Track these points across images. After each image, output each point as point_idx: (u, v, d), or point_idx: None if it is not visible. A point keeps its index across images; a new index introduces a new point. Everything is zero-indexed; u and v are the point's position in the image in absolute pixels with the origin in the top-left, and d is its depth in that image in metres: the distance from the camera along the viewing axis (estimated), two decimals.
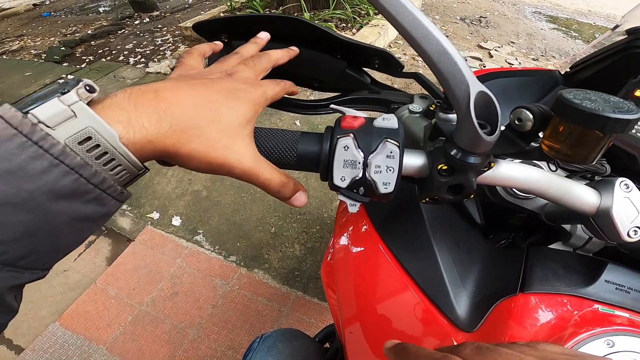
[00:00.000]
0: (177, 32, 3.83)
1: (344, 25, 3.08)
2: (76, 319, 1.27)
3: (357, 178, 0.28)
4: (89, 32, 4.19)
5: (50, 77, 2.94)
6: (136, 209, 1.70)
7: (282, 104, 0.40)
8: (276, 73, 0.40)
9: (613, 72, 0.47)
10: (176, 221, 1.62)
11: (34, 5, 5.39)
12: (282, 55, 0.36)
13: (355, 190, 0.29)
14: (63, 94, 0.20)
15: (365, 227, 0.47)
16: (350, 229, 0.49)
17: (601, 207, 0.33)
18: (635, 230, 0.33)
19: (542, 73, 0.53)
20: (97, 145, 0.20)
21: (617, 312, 0.36)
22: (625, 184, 0.34)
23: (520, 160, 0.39)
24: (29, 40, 4.00)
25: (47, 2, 5.53)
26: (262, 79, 0.33)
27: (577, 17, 4.75)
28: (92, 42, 3.88)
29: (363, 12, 3.25)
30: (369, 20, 3.10)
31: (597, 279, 0.39)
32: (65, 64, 3.27)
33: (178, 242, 1.52)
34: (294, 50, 0.37)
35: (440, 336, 0.39)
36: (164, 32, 3.97)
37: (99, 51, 3.59)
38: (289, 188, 0.29)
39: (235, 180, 1.77)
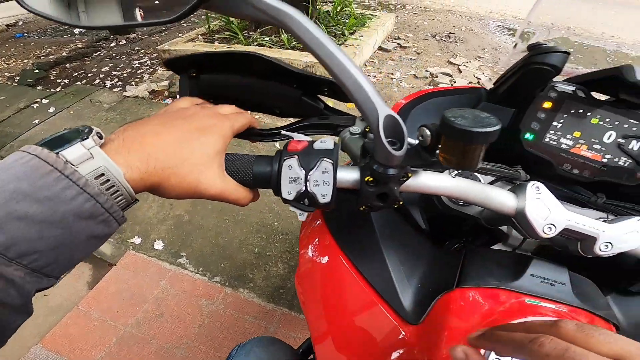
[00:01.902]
0: (154, 54, 3.87)
1: None
2: (59, 341, 1.28)
3: (301, 191, 0.35)
4: (64, 54, 4.18)
5: (24, 102, 2.93)
6: (117, 235, 1.73)
7: (245, 135, 0.45)
8: (242, 103, 0.48)
9: (523, 86, 0.51)
10: (158, 245, 1.67)
11: (7, 26, 5.35)
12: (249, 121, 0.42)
13: (301, 202, 0.36)
14: (83, 139, 0.27)
15: (325, 237, 0.52)
16: (314, 241, 0.54)
17: (518, 208, 0.37)
18: (549, 227, 0.38)
19: (470, 90, 0.58)
20: (108, 180, 0.27)
21: (543, 304, 0.40)
22: (537, 187, 0.39)
23: (445, 171, 0.44)
24: (2, 63, 3.96)
25: (20, 23, 5.50)
26: (233, 112, 0.39)
27: (538, 30, 5.13)
28: (67, 65, 3.87)
29: (339, 32, 3.43)
30: (345, 41, 3.28)
31: (523, 273, 0.43)
32: (39, 87, 3.27)
33: (161, 265, 1.56)
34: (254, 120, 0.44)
35: (390, 329, 0.44)
36: (141, 55, 4.02)
37: (74, 74, 3.59)
38: (256, 198, 0.38)
39: (216, 204, 1.83)
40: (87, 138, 0.27)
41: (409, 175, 0.36)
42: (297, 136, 0.38)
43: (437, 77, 3.11)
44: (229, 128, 0.36)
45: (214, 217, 1.80)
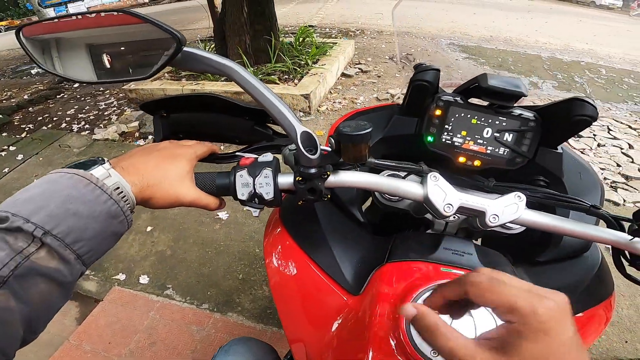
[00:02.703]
0: (121, 94, 3.93)
1: (287, 77, 3.47)
2: None
3: (251, 192, 0.47)
4: (26, 97, 4.14)
5: None
6: (100, 273, 1.80)
7: (210, 159, 0.56)
8: (207, 136, 0.60)
9: (415, 99, 0.61)
10: (144, 279, 1.74)
11: None
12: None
13: (253, 201, 0.48)
14: (102, 164, 0.38)
15: (284, 238, 0.62)
16: (277, 247, 0.63)
17: (424, 195, 0.46)
18: (448, 206, 0.46)
19: (387, 107, 0.68)
20: (122, 192, 0.38)
21: (454, 270, 0.49)
22: (434, 176, 0.47)
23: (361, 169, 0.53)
24: None
25: None
26: (195, 143, 0.51)
27: (482, 44, 5.67)
28: (30, 109, 3.85)
29: (303, 62, 3.69)
30: (309, 70, 3.53)
31: (438, 248, 0.52)
32: (4, 134, 3.25)
33: (149, 298, 1.64)
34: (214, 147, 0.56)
35: (337, 299, 0.53)
36: (107, 96, 4.06)
37: (39, 118, 3.58)
38: (219, 205, 0.50)
39: (198, 238, 1.95)
40: (105, 162, 0.39)
41: (329, 173, 0.47)
42: (247, 155, 0.50)
43: (397, 97, 3.40)
44: (193, 154, 0.49)
45: (196, 249, 1.90)
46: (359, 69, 4.23)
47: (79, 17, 0.42)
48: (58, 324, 1.56)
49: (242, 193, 0.47)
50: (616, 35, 6.76)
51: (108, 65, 0.44)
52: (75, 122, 3.43)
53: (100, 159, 0.39)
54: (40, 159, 2.81)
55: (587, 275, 0.57)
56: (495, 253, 0.56)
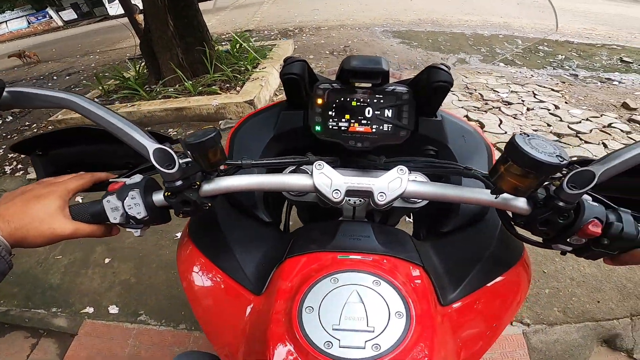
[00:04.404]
0: (49, 127, 3.71)
1: (228, 85, 3.47)
2: None
3: (123, 215, 0.47)
4: None
5: None
6: (67, 308, 1.76)
7: (96, 189, 0.55)
8: (96, 168, 0.58)
9: (293, 92, 0.61)
10: (113, 310, 1.71)
11: None
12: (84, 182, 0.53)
13: (130, 222, 0.48)
14: None
15: (193, 250, 0.62)
16: (187, 260, 0.62)
17: (312, 184, 0.47)
18: (336, 192, 0.47)
19: (277, 105, 0.69)
20: None
21: (351, 257, 0.48)
22: (319, 164, 0.47)
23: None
24: None
25: None
26: (70, 178, 0.51)
27: (413, 28, 6.03)
28: None
29: (242, 69, 3.71)
30: (250, 76, 3.56)
31: (336, 234, 0.52)
32: None
33: (123, 326, 1.63)
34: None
35: (243, 301, 0.53)
36: (35, 130, 3.84)
37: None
38: (106, 232, 0.51)
39: (161, 262, 1.94)
40: None
41: (198, 183, 0.47)
42: (117, 180, 0.51)
43: None
44: (64, 190, 0.49)
45: (161, 273, 1.89)
46: None
47: None
48: None
49: (114, 217, 0.48)
50: (524, 7, 7.42)
51: None
52: (7, 164, 3.21)
53: None
54: None
55: (490, 241, 0.58)
56: (397, 230, 0.58)
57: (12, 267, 0.43)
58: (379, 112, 0.59)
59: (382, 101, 0.59)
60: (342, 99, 0.59)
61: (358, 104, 0.59)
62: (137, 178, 0.49)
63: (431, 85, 0.55)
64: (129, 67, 4.41)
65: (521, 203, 0.45)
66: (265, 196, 0.67)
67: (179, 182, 0.46)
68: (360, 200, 0.62)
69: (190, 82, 3.42)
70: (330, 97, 0.60)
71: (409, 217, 0.86)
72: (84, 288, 1.87)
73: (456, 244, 0.59)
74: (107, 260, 2.01)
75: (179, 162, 0.45)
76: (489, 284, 0.54)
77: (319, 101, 0.60)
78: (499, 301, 0.55)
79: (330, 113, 0.60)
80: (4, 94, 0.42)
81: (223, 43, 4.69)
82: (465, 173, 0.51)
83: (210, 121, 3.17)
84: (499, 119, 2.96)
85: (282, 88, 3.13)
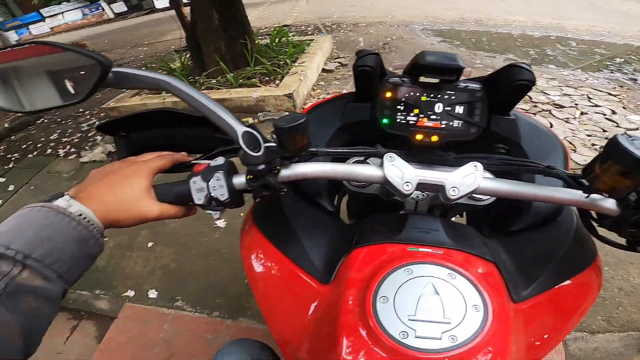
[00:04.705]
0: (102, 114, 3.91)
1: (267, 78, 3.50)
2: None
3: (207, 196, 0.48)
4: (6, 125, 4.08)
5: None
6: (110, 291, 1.84)
7: (175, 170, 0.57)
8: (171, 150, 0.59)
9: (362, 85, 0.62)
10: (152, 294, 1.78)
11: None
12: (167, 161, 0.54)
13: (211, 204, 0.49)
14: (62, 196, 0.42)
15: (259, 241, 0.62)
16: (252, 247, 0.63)
17: (383, 176, 0.47)
18: (407, 184, 0.46)
19: (343, 96, 0.69)
20: (86, 218, 0.41)
21: (421, 249, 0.48)
22: (390, 156, 0.47)
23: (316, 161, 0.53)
24: None
25: None
26: (152, 157, 0.52)
27: (455, 27, 5.77)
28: (12, 137, 3.81)
29: (282, 63, 3.72)
30: (289, 70, 3.57)
31: (404, 227, 0.52)
32: None
33: (160, 311, 1.69)
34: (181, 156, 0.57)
35: (310, 289, 0.53)
36: (88, 117, 4.04)
37: (23, 146, 3.56)
38: (186, 213, 0.52)
39: (201, 249, 1.99)
40: (63, 196, 0.43)
41: (278, 168, 0.48)
42: (201, 162, 0.52)
43: None
44: (148, 169, 0.49)
45: (200, 260, 1.94)
46: (339, 62, 4.28)
47: (17, 48, 0.44)
48: (80, 345, 1.61)
49: (199, 198, 0.49)
50: (580, 9, 6.95)
51: (51, 99, 0.46)
52: (61, 147, 3.41)
53: (60, 193, 0.43)
54: (32, 187, 2.80)
55: (563, 241, 0.57)
56: (465, 226, 0.57)
57: (103, 249, 0.44)
58: (449, 108, 0.59)
59: (453, 97, 0.59)
60: (412, 93, 0.59)
61: (428, 99, 0.59)
62: (221, 160, 0.51)
63: (512, 84, 0.53)
64: (174, 59, 4.55)
65: (610, 204, 0.45)
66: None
67: (262, 166, 0.47)
68: (423, 195, 0.62)
69: (232, 75, 3.47)
70: (400, 91, 0.59)
71: (461, 215, 0.85)
72: (128, 271, 1.95)
73: (527, 243, 0.58)
74: (150, 244, 2.09)
75: (264, 146, 0.46)
76: (560, 285, 0.53)
77: (388, 94, 0.60)
78: (568, 303, 0.54)
79: (399, 107, 0.60)
80: (110, 74, 0.43)
81: (260, 37, 4.72)
82: (547, 172, 0.50)
83: (249, 113, 3.21)
84: (549, 122, 2.78)
85: (320, 83, 3.15)
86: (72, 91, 0.45)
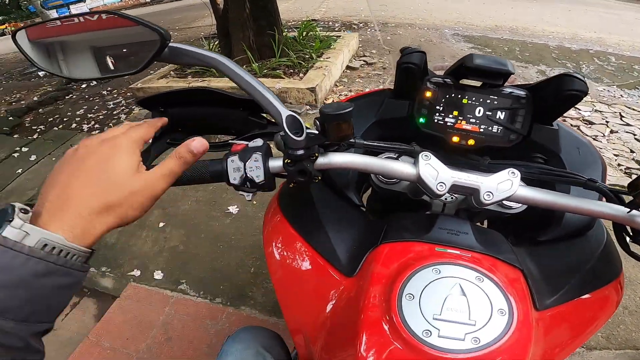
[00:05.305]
0: (128, 93, 3.98)
1: (292, 71, 3.46)
2: None
3: (243, 177, 0.47)
4: (35, 98, 4.20)
5: (4, 152, 2.98)
6: (116, 269, 1.83)
7: (211, 149, 0.51)
8: (204, 129, 0.60)
9: (403, 82, 0.61)
10: (158, 275, 1.77)
11: None
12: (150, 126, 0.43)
13: (245, 185, 0.48)
14: (10, 221, 0.28)
15: (284, 226, 0.62)
16: (276, 233, 0.63)
17: (416, 174, 0.46)
18: (441, 185, 0.45)
19: (381, 91, 0.69)
20: (54, 247, 0.29)
21: (449, 250, 0.47)
22: (426, 155, 0.46)
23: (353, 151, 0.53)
24: None
25: None
26: (126, 128, 0.39)
27: (487, 34, 5.59)
28: (40, 110, 3.91)
29: (307, 56, 3.68)
30: (314, 64, 3.52)
31: (433, 227, 0.51)
32: (16, 136, 3.31)
33: (163, 293, 1.67)
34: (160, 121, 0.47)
35: (333, 281, 0.52)
36: (115, 95, 4.12)
37: (49, 119, 3.64)
38: (185, 153, 0.39)
39: (210, 233, 1.97)
40: (13, 219, 0.28)
41: (317, 155, 0.48)
42: (239, 142, 0.51)
43: None
44: (130, 141, 0.37)
45: (208, 244, 1.92)
46: (364, 61, 4.21)
47: (80, 19, 0.43)
48: (78, 322, 1.59)
49: (234, 177, 0.48)
50: (625, 24, 6.61)
51: (112, 67, 0.46)
52: (85, 122, 3.48)
53: (10, 208, 0.29)
54: (53, 159, 2.85)
55: (591, 255, 0.56)
56: (493, 232, 0.56)
57: (87, 272, 0.33)
58: (490, 113, 0.58)
59: (495, 102, 0.58)
60: (453, 95, 0.59)
61: (469, 102, 0.59)
62: (260, 142, 0.49)
63: (563, 93, 0.53)
64: (203, 45, 4.56)
65: None
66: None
67: (301, 151, 0.46)
68: (452, 197, 0.60)
69: (257, 64, 3.46)
70: (441, 92, 0.60)
71: (482, 223, 0.82)
72: (136, 250, 1.94)
73: (555, 254, 0.57)
74: (161, 225, 2.08)
75: (306, 131, 0.46)
76: (582, 297, 0.53)
77: (428, 94, 0.60)
78: (588, 315, 0.54)
79: (437, 107, 0.60)
80: (166, 49, 0.43)
81: (288, 29, 4.68)
82: (589, 185, 0.48)
83: None
84: None
85: (343, 80, 3.09)
86: (132, 62, 0.45)
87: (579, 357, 1.35)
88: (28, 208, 0.31)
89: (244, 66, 3.55)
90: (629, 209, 0.45)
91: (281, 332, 0.72)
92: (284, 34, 3.91)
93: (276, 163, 0.49)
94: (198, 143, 0.41)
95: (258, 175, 0.47)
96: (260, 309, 1.57)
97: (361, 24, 6.10)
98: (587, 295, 0.53)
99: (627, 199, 0.46)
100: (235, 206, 2.12)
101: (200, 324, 1.52)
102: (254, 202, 2.10)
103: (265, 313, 1.55)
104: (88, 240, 0.32)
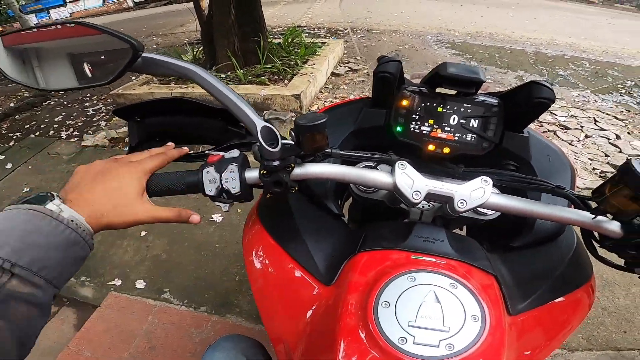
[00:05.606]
0: (109, 100, 3.88)
1: (277, 77, 3.46)
2: None
3: (218, 188, 0.47)
4: (12, 104, 4.07)
5: None
6: (96, 279, 1.78)
7: (181, 160, 0.56)
8: (182, 139, 0.60)
9: (380, 91, 0.61)
10: (140, 284, 1.73)
11: None
12: (169, 156, 0.52)
13: (221, 196, 0.48)
14: (52, 201, 0.39)
15: (262, 236, 0.62)
16: (255, 243, 0.63)
17: (393, 183, 0.47)
18: (416, 193, 0.46)
19: (358, 100, 0.69)
20: (77, 223, 0.39)
21: (425, 258, 0.48)
22: (402, 164, 0.47)
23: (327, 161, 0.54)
24: None
25: None
26: (145, 157, 0.50)
27: (468, 40, 5.73)
28: (17, 116, 3.79)
29: (292, 63, 3.68)
30: (299, 70, 3.53)
31: (409, 235, 0.52)
32: None
33: (146, 302, 1.63)
34: (181, 151, 0.55)
35: (311, 290, 0.53)
36: (95, 101, 4.01)
37: (26, 126, 3.53)
38: (183, 215, 0.50)
39: (193, 241, 1.94)
40: (55, 198, 0.40)
41: (293, 165, 0.48)
42: (215, 153, 0.51)
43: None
44: (142, 171, 0.48)
45: (192, 252, 1.89)
46: (349, 67, 4.25)
47: (56, 26, 0.44)
48: (56, 332, 1.54)
49: (210, 189, 0.48)
50: (598, 28, 6.89)
51: (90, 75, 0.46)
52: (64, 129, 3.38)
53: (49, 194, 0.40)
54: (30, 167, 2.76)
55: (562, 260, 0.58)
56: (468, 239, 0.57)
57: (93, 249, 0.43)
58: (464, 121, 0.59)
59: (469, 110, 0.59)
60: (429, 103, 0.60)
61: (444, 110, 0.59)
62: (236, 152, 0.50)
63: (531, 101, 0.54)
64: (187, 51, 4.52)
65: (614, 226, 0.46)
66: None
67: (277, 162, 0.47)
68: (429, 205, 0.61)
69: (242, 71, 3.44)
70: (417, 101, 0.60)
71: (461, 229, 0.84)
72: (117, 259, 1.90)
73: (527, 259, 0.59)
74: (143, 234, 2.04)
75: (281, 142, 0.46)
76: (555, 301, 0.54)
77: (404, 103, 0.60)
78: (560, 319, 0.55)
79: (414, 116, 0.61)
80: (139, 59, 0.43)
81: (272, 36, 4.68)
82: (557, 192, 0.50)
83: (256, 110, 3.12)
84: None
85: (328, 87, 3.11)
86: (103, 73, 0.45)
87: (561, 358, 1.37)
88: (61, 197, 0.42)
89: (229, 72, 3.57)
90: (594, 215, 0.46)
91: (266, 340, 0.71)
92: (269, 40, 3.92)
93: (252, 174, 0.49)
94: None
95: (234, 187, 0.48)
96: (246, 317, 1.55)
97: (346, 31, 6.16)
98: (559, 299, 0.55)
99: (594, 205, 0.47)
100: (219, 214, 2.09)
101: (184, 332, 1.49)
102: (239, 210, 2.09)
103: (251, 321, 1.54)
104: (95, 227, 0.42)
